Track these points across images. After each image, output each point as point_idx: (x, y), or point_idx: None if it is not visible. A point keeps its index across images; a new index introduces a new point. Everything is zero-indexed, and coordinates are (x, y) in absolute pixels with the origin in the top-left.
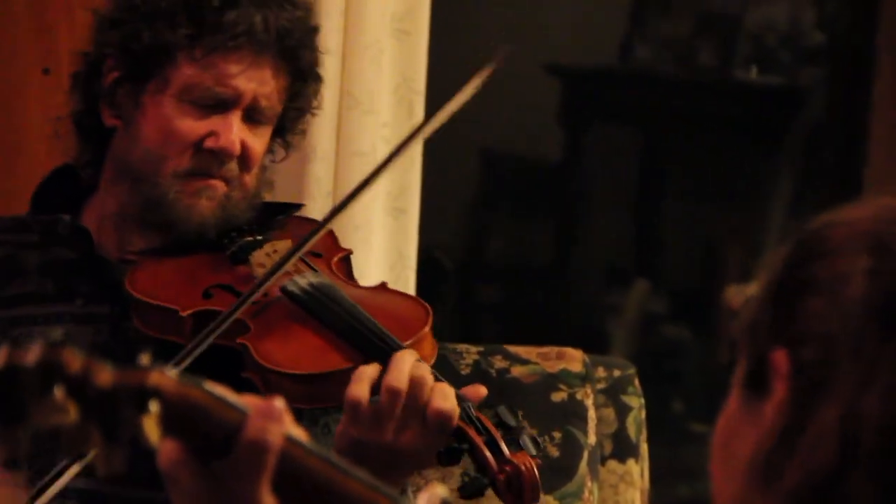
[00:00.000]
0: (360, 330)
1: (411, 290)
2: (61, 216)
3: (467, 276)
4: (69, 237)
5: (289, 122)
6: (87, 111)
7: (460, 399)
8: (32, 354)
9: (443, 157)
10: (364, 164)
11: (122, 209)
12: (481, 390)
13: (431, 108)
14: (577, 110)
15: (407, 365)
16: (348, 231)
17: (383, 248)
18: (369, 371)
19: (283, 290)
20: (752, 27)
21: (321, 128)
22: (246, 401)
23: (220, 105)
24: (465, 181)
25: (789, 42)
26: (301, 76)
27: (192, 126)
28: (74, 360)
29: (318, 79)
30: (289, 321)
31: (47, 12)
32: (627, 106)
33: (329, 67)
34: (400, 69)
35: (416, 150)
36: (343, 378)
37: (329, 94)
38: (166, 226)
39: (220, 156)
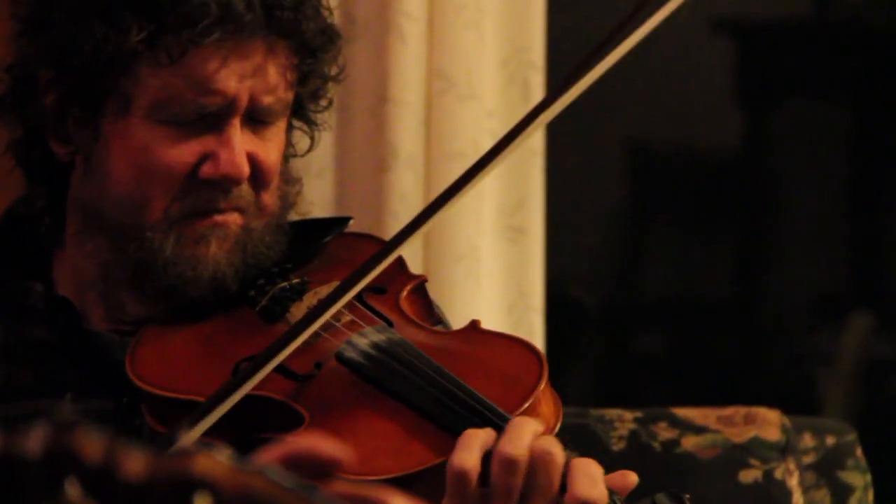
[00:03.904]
0: (449, 404)
1: (538, 338)
2: (30, 284)
3: (616, 317)
4: (45, 311)
5: (307, 101)
6: (29, 143)
7: (607, 490)
8: (35, 440)
9: (575, 154)
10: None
11: (104, 273)
12: (630, 478)
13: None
14: (762, 82)
15: (528, 431)
16: (447, 262)
17: (497, 283)
18: (482, 436)
19: (340, 357)
20: None
21: (403, 121)
22: (333, 493)
23: (208, 118)
24: (607, 187)
25: None
26: (310, 51)
27: (177, 153)
28: (92, 445)
29: (333, 40)
30: (354, 402)
31: None
32: (831, 73)
33: (411, 39)
34: (508, 37)
35: (537, 147)
36: (438, 476)
37: (413, 75)
38: (169, 291)
39: (224, 184)
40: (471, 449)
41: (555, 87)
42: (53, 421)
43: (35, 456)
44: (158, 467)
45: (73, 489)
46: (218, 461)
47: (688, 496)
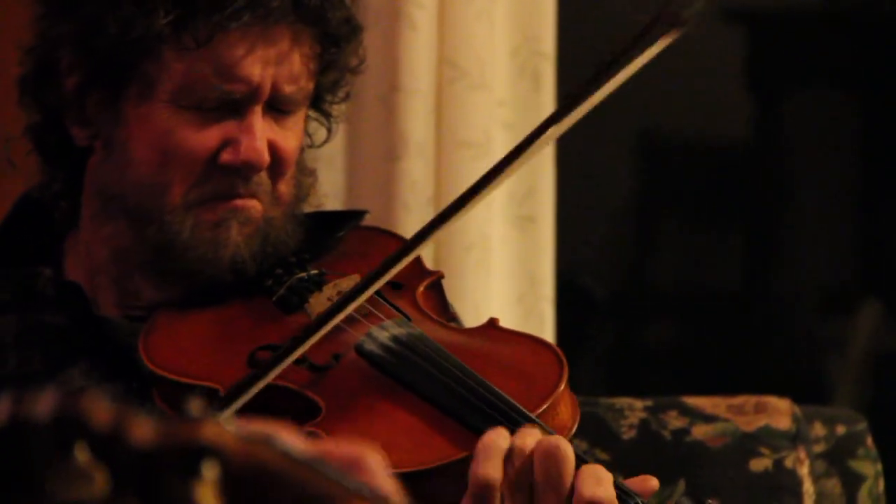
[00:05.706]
0: (469, 400)
1: (548, 328)
2: (40, 269)
3: (626, 306)
4: (54, 297)
5: (326, 92)
6: (47, 127)
7: (625, 493)
8: (44, 405)
9: (586, 143)
10: (475, 158)
11: (119, 256)
12: (650, 483)
13: (565, 79)
14: (773, 72)
15: (536, 431)
16: (456, 251)
17: (507, 272)
18: (500, 442)
19: (359, 350)
20: None
21: (414, 110)
22: (339, 464)
23: (230, 104)
24: (618, 176)
25: None
26: (333, 41)
27: (199, 138)
28: (101, 410)
29: (356, 31)
30: (372, 395)
31: None
32: (842, 64)
33: (422, 27)
34: (519, 26)
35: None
36: (456, 472)
37: (423, 63)
38: (186, 274)
39: (244, 171)
40: (493, 458)
41: (571, 90)
42: (62, 387)
43: (44, 421)
44: (166, 433)
45: (81, 454)
46: (226, 429)
47: (710, 502)
